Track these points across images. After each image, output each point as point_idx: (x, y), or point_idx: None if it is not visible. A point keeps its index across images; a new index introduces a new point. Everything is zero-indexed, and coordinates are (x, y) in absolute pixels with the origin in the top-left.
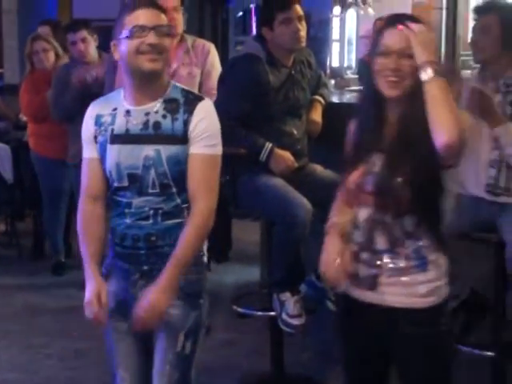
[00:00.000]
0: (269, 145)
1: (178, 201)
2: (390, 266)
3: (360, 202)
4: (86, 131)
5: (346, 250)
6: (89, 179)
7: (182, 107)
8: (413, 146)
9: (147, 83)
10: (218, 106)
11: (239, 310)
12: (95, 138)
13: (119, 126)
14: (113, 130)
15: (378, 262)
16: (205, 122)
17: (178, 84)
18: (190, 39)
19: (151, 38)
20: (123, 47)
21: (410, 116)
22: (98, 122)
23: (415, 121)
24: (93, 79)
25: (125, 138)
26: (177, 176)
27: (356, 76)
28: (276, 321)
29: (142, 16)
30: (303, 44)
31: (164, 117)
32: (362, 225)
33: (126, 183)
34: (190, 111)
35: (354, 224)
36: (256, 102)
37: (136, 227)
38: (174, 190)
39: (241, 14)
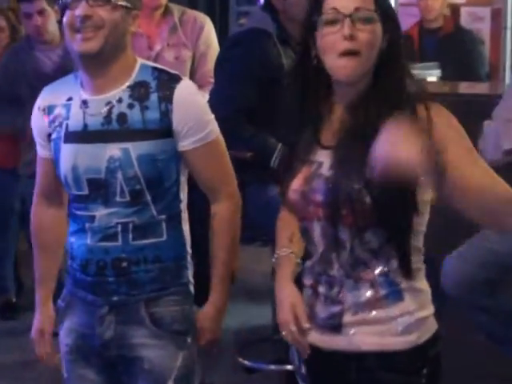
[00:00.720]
0: (281, 147)
1: (154, 212)
2: (354, 299)
3: (309, 216)
4: (36, 126)
5: (300, 303)
6: (42, 177)
7: (156, 92)
8: (370, 139)
9: (98, 67)
10: (216, 95)
11: (246, 362)
12: (49, 135)
13: (75, 120)
14: (67, 126)
15: (339, 296)
16: (191, 110)
17: (147, 63)
18: (177, 11)
19: (81, 8)
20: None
21: (371, 101)
22: (50, 115)
23: (375, 106)
24: (53, 67)
25: (82, 136)
26: (151, 179)
27: None
28: (294, 376)
29: None
30: None
31: (130, 106)
32: (314, 246)
33: (85, 191)
34: (167, 98)
35: (304, 246)
36: (265, 91)
37: (101, 250)
38: (148, 197)
39: None
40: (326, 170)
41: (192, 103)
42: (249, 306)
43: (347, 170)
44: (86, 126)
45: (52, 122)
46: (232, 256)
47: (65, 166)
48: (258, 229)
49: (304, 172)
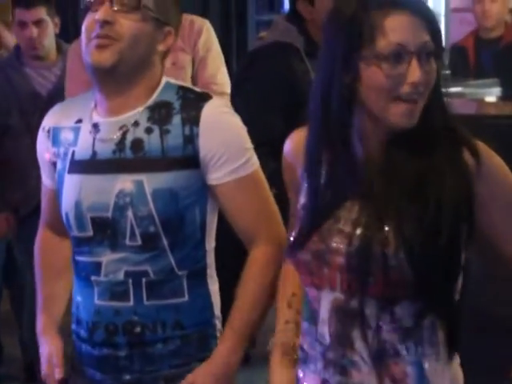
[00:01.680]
0: None
1: (172, 262)
2: None
3: (320, 283)
4: (40, 150)
5: None
6: (47, 209)
7: (179, 114)
8: (420, 196)
9: (113, 85)
10: None
11: None
12: (54, 164)
13: (83, 147)
14: (74, 154)
15: None
16: (222, 134)
17: (174, 81)
18: None
19: (102, 11)
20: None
21: (414, 139)
22: (55, 139)
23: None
24: (50, 90)
25: (90, 165)
26: (169, 220)
27: (448, 71)
28: None
29: None
30: None
31: (148, 131)
32: (324, 324)
33: (89, 232)
34: (192, 120)
35: (310, 322)
36: (292, 118)
37: (110, 311)
38: (165, 242)
39: None
40: (349, 225)
41: (224, 126)
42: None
43: (382, 226)
44: (94, 153)
45: (57, 148)
46: (258, 308)
47: (67, 202)
48: None
49: (322, 226)
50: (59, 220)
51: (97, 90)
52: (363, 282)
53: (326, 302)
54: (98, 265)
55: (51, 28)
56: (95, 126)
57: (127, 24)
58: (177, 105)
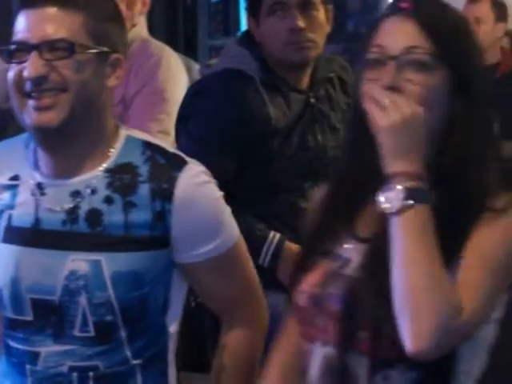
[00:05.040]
0: (274, 237)
1: (128, 353)
2: None
3: (312, 334)
4: None
5: None
6: None
7: (147, 183)
8: None
9: (59, 144)
10: None
11: None
12: None
13: (23, 211)
14: (10, 218)
15: None
16: (197, 211)
17: (134, 134)
18: None
19: (31, 64)
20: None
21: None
22: None
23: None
24: None
25: (31, 236)
26: (131, 308)
27: None
28: None
29: (25, 21)
30: (311, 52)
31: (108, 200)
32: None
33: (28, 316)
34: (164, 195)
35: None
36: (247, 156)
37: None
38: (123, 333)
39: None
40: (351, 270)
41: (200, 203)
42: None
43: (383, 274)
44: (38, 221)
45: None
46: None
47: (1, 276)
48: None
49: (323, 267)
50: None
51: (38, 146)
52: (351, 335)
53: (317, 358)
54: (36, 355)
55: None
56: (39, 187)
57: (66, 73)
58: (144, 170)
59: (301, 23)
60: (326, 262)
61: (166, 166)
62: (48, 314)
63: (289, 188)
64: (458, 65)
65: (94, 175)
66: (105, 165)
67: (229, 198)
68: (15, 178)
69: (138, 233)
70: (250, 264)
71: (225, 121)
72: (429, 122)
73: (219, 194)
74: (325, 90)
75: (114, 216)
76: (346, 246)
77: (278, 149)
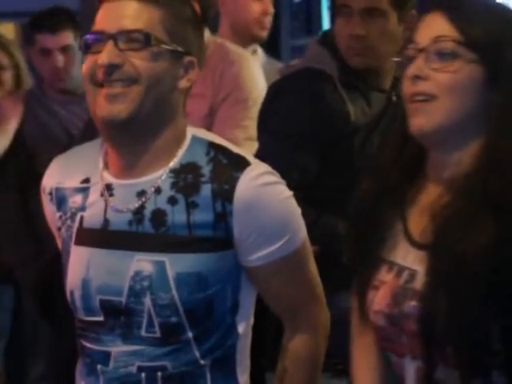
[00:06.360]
0: None
1: (196, 353)
2: None
3: (399, 350)
4: (47, 216)
5: None
6: None
7: (209, 183)
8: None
9: (128, 141)
10: None
11: None
12: (59, 229)
13: (93, 212)
14: (82, 220)
15: None
16: (259, 214)
17: (202, 134)
18: None
19: (106, 52)
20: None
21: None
22: (60, 202)
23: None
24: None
25: (100, 237)
26: (195, 309)
27: None
28: None
29: (105, 13)
30: (368, 60)
31: (172, 201)
32: None
33: (99, 317)
34: (225, 195)
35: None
36: (327, 154)
37: None
38: (190, 334)
39: None
40: (420, 285)
41: (262, 204)
42: None
43: (453, 288)
44: (106, 222)
45: (63, 212)
46: None
47: (72, 279)
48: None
49: (390, 284)
50: None
51: (108, 145)
52: (437, 350)
53: (410, 371)
54: (107, 355)
55: (79, 56)
56: (108, 188)
57: (140, 64)
58: (206, 170)
59: (360, 30)
60: (388, 275)
61: (228, 167)
62: (117, 315)
63: None
64: (489, 55)
65: (160, 175)
66: (170, 164)
67: (309, 198)
68: (86, 180)
69: (201, 233)
70: (314, 267)
71: (304, 119)
72: (457, 110)
73: (286, 194)
74: None
75: (178, 216)
76: (402, 252)
77: (359, 148)
